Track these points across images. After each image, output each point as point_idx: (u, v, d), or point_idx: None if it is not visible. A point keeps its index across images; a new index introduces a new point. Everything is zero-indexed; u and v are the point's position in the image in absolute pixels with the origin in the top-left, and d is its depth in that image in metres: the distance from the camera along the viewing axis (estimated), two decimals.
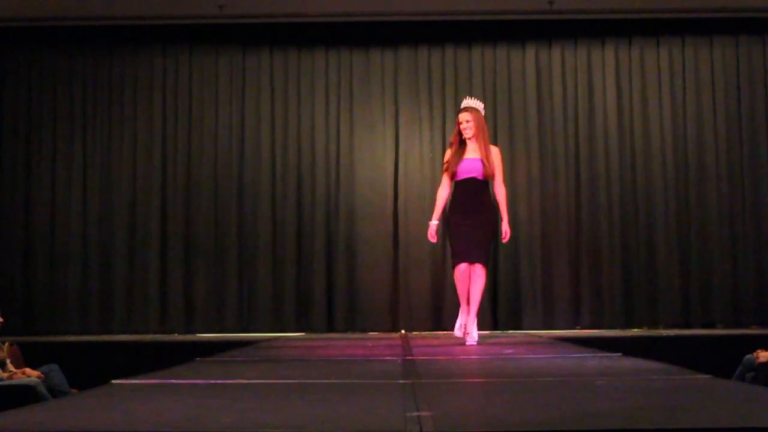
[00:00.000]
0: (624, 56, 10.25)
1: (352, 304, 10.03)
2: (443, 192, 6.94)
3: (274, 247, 10.09)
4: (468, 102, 6.85)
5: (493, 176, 6.76)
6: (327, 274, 10.06)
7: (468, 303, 6.76)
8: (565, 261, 9.99)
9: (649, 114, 10.16)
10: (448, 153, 6.89)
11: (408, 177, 10.14)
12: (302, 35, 10.31)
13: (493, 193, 6.86)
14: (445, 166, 6.91)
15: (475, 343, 6.63)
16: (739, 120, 10.13)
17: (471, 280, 6.67)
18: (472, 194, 6.75)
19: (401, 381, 3.92)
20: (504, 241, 6.97)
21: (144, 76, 10.31)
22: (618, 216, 10.05)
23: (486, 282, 6.83)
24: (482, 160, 6.69)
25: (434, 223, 6.96)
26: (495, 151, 6.86)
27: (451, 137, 6.96)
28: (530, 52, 10.25)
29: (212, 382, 4.02)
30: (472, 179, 6.74)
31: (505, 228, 6.82)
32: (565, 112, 10.16)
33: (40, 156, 10.20)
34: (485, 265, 6.74)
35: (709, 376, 3.89)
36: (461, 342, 6.73)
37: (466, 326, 6.74)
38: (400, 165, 10.18)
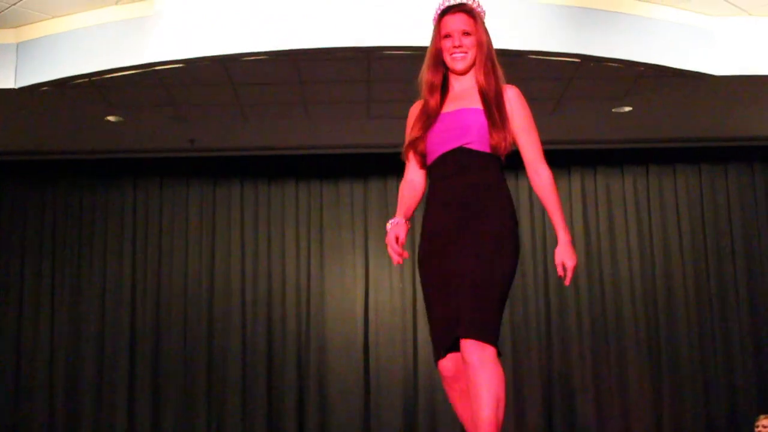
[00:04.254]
0: (590, 186, 10.40)
1: None
2: (407, 185, 3.73)
3: (245, 381, 9.93)
4: None
5: (506, 144, 3.46)
6: (298, 408, 9.88)
7: None
8: (537, 391, 9.89)
9: (617, 242, 10.25)
10: (414, 112, 3.66)
11: (378, 308, 10.10)
12: (272, 167, 10.40)
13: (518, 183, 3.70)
14: (408, 138, 3.62)
15: None
16: (705, 247, 10.23)
17: (469, 386, 3.27)
18: (457, 185, 3.48)
19: None
20: (564, 277, 3.49)
21: (114, 208, 10.30)
22: (588, 344, 10.01)
23: (502, 382, 3.30)
24: (483, 110, 3.48)
25: (395, 220, 3.63)
26: (513, 95, 3.55)
27: (421, 78, 3.67)
28: None
29: None
30: (459, 151, 3.47)
31: (565, 255, 3.44)
32: (534, 240, 10.23)
33: (8, 288, 10.09)
34: (489, 341, 3.29)
35: None
36: None
37: None
38: (371, 296, 10.15)
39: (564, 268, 3.45)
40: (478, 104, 3.50)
